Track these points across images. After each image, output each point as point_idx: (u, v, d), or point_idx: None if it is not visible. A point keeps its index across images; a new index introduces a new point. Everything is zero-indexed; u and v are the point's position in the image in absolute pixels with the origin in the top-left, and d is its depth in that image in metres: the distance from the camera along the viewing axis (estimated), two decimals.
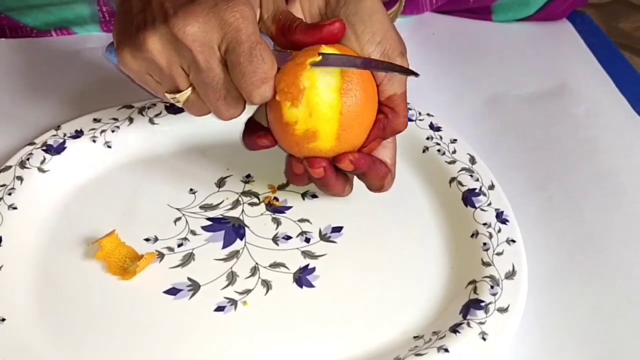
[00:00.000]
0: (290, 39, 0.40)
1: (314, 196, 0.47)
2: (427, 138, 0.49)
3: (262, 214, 0.46)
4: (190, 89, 0.40)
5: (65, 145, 0.48)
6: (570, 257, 0.44)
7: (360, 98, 0.39)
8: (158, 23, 0.37)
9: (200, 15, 0.37)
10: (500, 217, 0.44)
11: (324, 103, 0.39)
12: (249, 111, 0.43)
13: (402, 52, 0.41)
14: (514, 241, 0.42)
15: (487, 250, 0.42)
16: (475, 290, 0.40)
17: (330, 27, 0.39)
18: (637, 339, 0.40)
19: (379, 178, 0.42)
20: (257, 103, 0.39)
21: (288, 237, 0.45)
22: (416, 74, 0.40)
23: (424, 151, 0.49)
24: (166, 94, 0.41)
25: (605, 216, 0.47)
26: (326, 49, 0.39)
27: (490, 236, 0.43)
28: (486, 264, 0.41)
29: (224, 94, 0.39)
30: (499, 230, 0.43)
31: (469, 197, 0.45)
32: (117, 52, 0.40)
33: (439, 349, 0.37)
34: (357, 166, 0.41)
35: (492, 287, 0.40)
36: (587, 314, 0.41)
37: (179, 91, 0.40)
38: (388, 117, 0.42)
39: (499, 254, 0.42)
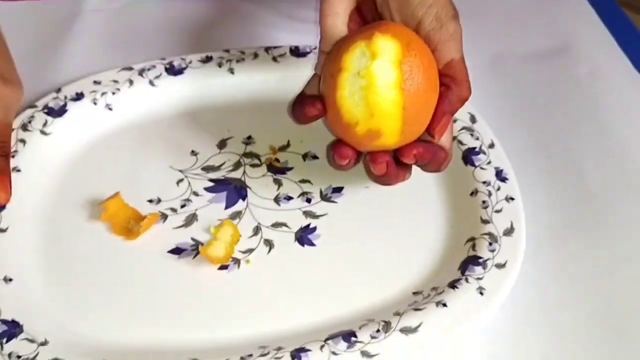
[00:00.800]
0: None
1: (315, 157, 0.47)
2: None
3: (263, 175, 0.47)
4: None
5: (67, 108, 0.48)
6: (570, 216, 0.45)
7: (422, 87, 0.36)
8: None
9: None
10: (499, 175, 0.44)
11: (385, 101, 0.36)
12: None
13: (455, 15, 0.39)
14: (512, 199, 0.43)
15: (486, 208, 0.42)
16: (473, 247, 0.41)
17: None
18: (635, 296, 0.41)
19: (438, 164, 0.40)
20: None
21: (289, 198, 0.45)
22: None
23: None
24: None
25: (606, 175, 0.47)
26: (379, 37, 0.36)
27: (490, 194, 0.43)
28: (485, 222, 0.42)
29: None
30: (498, 189, 0.43)
31: (468, 156, 0.46)
32: None
33: (437, 303, 0.38)
34: (420, 159, 0.39)
35: (490, 244, 0.40)
36: (585, 272, 0.42)
37: None
38: (450, 87, 0.39)
39: (497, 211, 0.42)
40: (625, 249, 0.43)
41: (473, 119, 0.48)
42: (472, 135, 0.47)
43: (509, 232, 0.41)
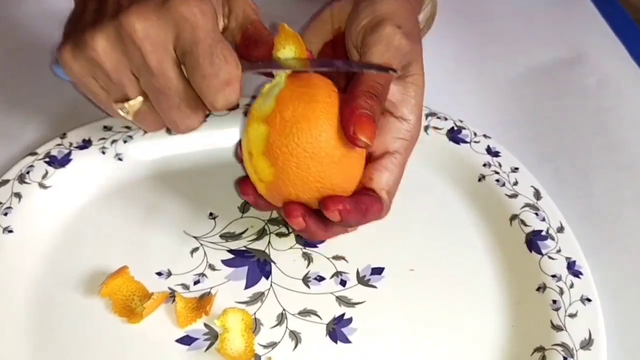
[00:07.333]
0: (254, 54, 0.37)
1: None
2: (484, 165, 0.43)
3: (291, 248, 0.40)
4: (141, 97, 0.35)
5: (71, 157, 0.42)
6: (576, 232, 0.39)
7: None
8: (107, 20, 0.33)
9: (154, 11, 0.33)
10: (572, 268, 0.37)
11: (253, 134, 0.35)
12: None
13: (405, 65, 0.37)
14: (589, 300, 0.36)
15: (557, 310, 0.36)
16: None
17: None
18: None
19: (371, 220, 0.36)
20: (221, 109, 0.35)
21: (321, 278, 0.39)
22: (394, 70, 0.35)
23: (479, 180, 0.43)
24: (113, 105, 0.36)
25: (615, 190, 0.44)
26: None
27: (561, 292, 0.36)
28: (557, 328, 0.35)
29: (177, 102, 0.35)
30: (571, 285, 0.36)
31: (533, 241, 0.39)
32: (57, 52, 0.35)
33: None
34: (346, 216, 0.34)
35: (565, 358, 0.33)
36: None
37: (127, 99, 0.36)
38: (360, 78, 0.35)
39: (571, 315, 0.35)
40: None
41: (537, 195, 0.41)
42: (537, 214, 0.40)
43: (586, 344, 0.34)
